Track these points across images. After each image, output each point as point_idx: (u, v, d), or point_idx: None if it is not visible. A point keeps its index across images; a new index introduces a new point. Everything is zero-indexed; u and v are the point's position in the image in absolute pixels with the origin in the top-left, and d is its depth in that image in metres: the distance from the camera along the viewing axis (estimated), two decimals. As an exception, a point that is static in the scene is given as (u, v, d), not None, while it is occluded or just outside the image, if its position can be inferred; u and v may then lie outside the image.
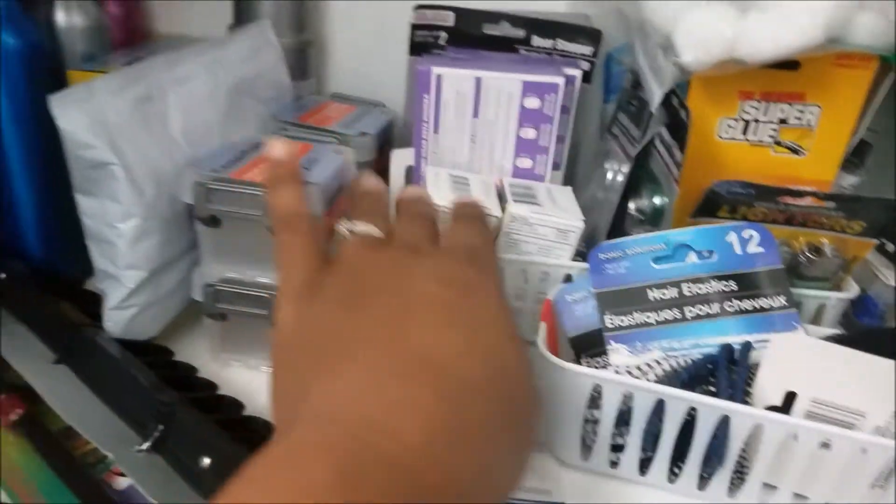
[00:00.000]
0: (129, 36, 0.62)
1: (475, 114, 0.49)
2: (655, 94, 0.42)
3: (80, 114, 0.41)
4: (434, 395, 0.25)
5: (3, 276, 0.52)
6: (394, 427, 0.23)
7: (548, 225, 0.47)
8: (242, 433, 0.39)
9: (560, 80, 0.47)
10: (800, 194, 0.43)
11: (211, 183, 0.42)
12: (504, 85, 0.48)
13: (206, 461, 0.37)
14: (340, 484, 0.20)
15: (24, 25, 0.51)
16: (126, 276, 0.44)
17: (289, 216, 0.34)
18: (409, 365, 0.25)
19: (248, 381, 0.47)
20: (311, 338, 0.29)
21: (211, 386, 0.45)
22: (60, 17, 0.56)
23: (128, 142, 0.42)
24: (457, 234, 0.36)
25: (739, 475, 0.40)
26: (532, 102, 0.48)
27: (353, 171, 0.50)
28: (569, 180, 0.54)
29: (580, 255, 0.51)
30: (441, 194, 0.47)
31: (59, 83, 0.54)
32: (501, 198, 0.48)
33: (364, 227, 0.34)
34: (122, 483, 0.40)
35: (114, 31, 0.60)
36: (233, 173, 0.43)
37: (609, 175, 0.51)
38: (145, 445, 0.39)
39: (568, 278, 0.48)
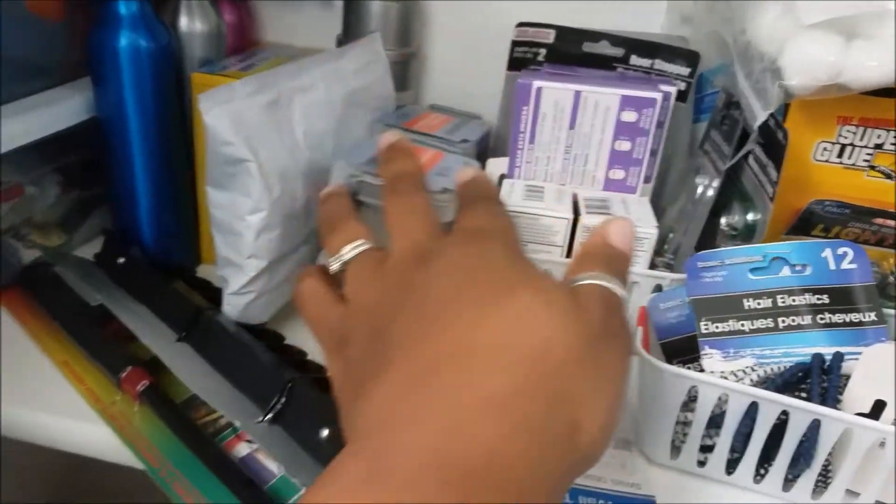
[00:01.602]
0: (240, 42, 0.68)
1: (571, 125, 0.53)
2: (759, 115, 0.45)
3: (223, 112, 0.46)
4: (440, 399, 0.23)
5: (123, 260, 0.58)
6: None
7: None
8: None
9: (658, 96, 0.51)
10: (894, 216, 0.46)
11: (364, 176, 0.45)
12: (602, 99, 0.52)
13: (326, 432, 0.42)
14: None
15: (155, 29, 0.56)
16: (248, 264, 0.49)
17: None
18: (421, 374, 0.24)
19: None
20: (350, 388, 0.28)
21: (321, 368, 0.49)
22: (183, 21, 0.62)
23: (261, 141, 0.47)
24: (463, 221, 0.32)
25: (823, 480, 0.43)
26: (629, 116, 0.52)
27: None
28: (658, 194, 0.58)
29: (667, 266, 0.55)
30: (513, 202, 0.51)
31: (180, 84, 0.60)
32: (576, 209, 0.52)
33: (350, 253, 0.32)
34: (242, 451, 0.44)
35: (227, 37, 0.65)
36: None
37: (700, 189, 0.54)
38: (267, 417, 0.44)
39: (658, 288, 0.52)
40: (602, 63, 0.59)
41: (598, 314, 0.26)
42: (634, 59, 0.59)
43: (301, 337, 0.53)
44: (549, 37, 0.59)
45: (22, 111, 0.54)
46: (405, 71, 0.67)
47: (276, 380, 0.44)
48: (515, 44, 0.61)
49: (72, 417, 0.46)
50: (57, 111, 0.56)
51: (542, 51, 0.60)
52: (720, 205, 0.54)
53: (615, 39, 0.58)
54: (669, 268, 0.54)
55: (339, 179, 0.46)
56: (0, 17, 0.52)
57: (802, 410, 0.40)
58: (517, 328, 0.25)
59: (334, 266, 0.32)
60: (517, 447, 0.22)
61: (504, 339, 0.24)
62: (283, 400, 0.43)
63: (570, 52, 0.59)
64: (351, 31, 0.64)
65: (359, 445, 0.23)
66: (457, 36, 0.70)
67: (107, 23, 0.55)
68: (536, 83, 0.53)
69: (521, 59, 0.61)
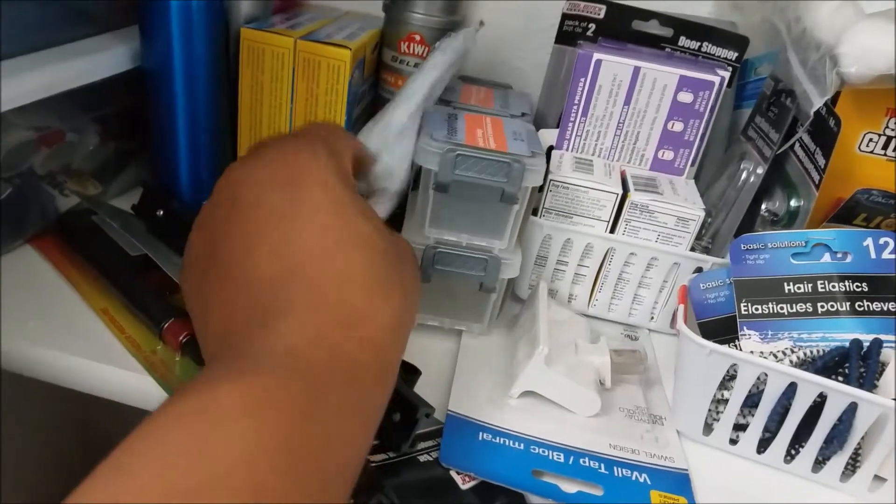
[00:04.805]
0: (287, 2, 0.69)
1: (627, 102, 0.55)
2: (815, 101, 0.47)
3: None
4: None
5: (161, 213, 0.59)
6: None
7: (668, 213, 0.52)
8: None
9: (716, 79, 0.52)
10: (938, 209, 0.48)
11: (460, 150, 0.46)
12: (661, 77, 0.53)
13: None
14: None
15: (206, -16, 0.57)
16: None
17: None
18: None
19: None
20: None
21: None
22: (231, -23, 0.63)
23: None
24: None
25: (852, 464, 0.45)
26: (685, 97, 0.53)
27: None
28: (697, 178, 0.60)
29: (705, 249, 0.57)
30: (563, 175, 0.53)
31: (227, 41, 0.61)
32: (625, 186, 0.54)
33: None
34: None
35: (273, -5, 0.66)
36: (467, 141, 0.47)
37: (744, 175, 0.56)
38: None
39: (698, 270, 0.54)
40: (650, 42, 0.60)
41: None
42: (683, 41, 0.60)
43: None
44: (600, 12, 0.61)
45: (69, 56, 0.55)
46: (451, 40, 0.68)
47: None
48: (565, 17, 0.62)
49: (113, 364, 0.47)
50: (103, 58, 0.57)
51: (592, 26, 0.61)
52: (761, 191, 0.56)
53: (665, 19, 0.60)
54: (707, 251, 0.56)
55: (429, 159, 0.46)
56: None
57: (841, 393, 0.42)
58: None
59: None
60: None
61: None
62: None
63: (619, 28, 0.61)
64: (399, -4, 0.65)
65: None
66: (503, 5, 0.71)
67: (158, -26, 0.56)
68: (597, 55, 0.54)
69: (570, 33, 0.62)
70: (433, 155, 0.46)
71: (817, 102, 0.46)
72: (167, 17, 0.56)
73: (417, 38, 0.64)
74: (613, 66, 0.53)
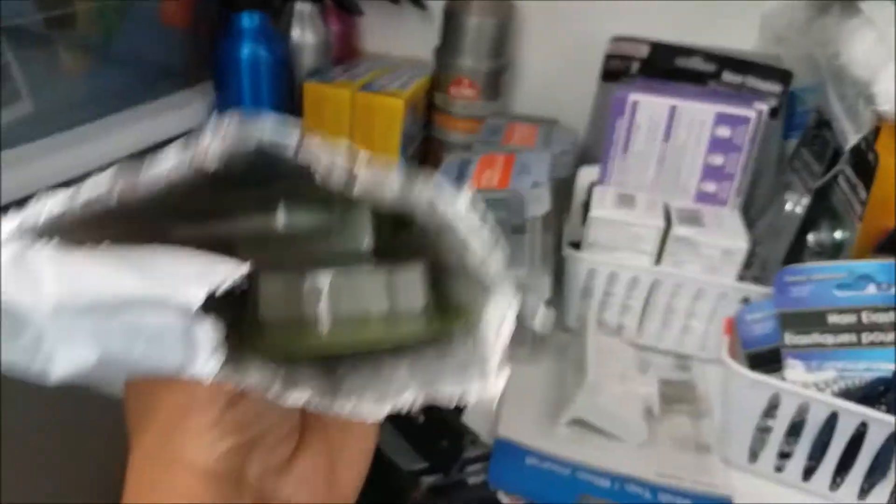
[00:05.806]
0: (345, 52, 0.73)
1: (666, 138, 0.56)
2: (850, 137, 0.47)
3: None
4: None
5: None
6: None
7: (712, 245, 0.53)
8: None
9: (753, 114, 0.54)
10: (983, 239, 0.47)
11: None
12: (697, 114, 0.55)
13: None
14: None
15: (273, 40, 0.62)
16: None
17: None
18: None
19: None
20: None
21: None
22: (295, 33, 0.68)
23: None
24: None
25: (898, 493, 0.45)
26: (723, 132, 0.55)
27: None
28: (747, 207, 0.61)
29: (754, 279, 0.57)
30: (604, 211, 0.55)
31: (291, 92, 0.66)
32: (668, 219, 0.55)
33: None
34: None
35: (333, 46, 0.71)
36: (472, 185, 0.51)
37: (788, 206, 0.56)
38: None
39: (745, 300, 0.55)
40: (694, 78, 0.62)
41: None
42: (727, 76, 0.61)
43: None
44: (643, 51, 0.63)
45: (153, 114, 0.61)
46: (497, 81, 0.71)
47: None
48: (609, 56, 0.64)
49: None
50: (183, 114, 0.63)
51: (636, 64, 0.63)
52: (809, 222, 0.56)
53: (708, 55, 0.61)
54: (756, 281, 0.57)
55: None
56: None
57: (881, 422, 0.42)
58: None
59: None
60: None
61: None
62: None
63: (663, 66, 0.62)
64: (448, 43, 0.69)
65: None
66: (548, 47, 0.74)
67: (231, 34, 0.61)
68: (633, 96, 0.56)
69: (615, 72, 0.64)
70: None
71: (852, 140, 0.47)
72: (238, 72, 0.61)
73: (466, 82, 0.68)
74: (650, 105, 0.55)
